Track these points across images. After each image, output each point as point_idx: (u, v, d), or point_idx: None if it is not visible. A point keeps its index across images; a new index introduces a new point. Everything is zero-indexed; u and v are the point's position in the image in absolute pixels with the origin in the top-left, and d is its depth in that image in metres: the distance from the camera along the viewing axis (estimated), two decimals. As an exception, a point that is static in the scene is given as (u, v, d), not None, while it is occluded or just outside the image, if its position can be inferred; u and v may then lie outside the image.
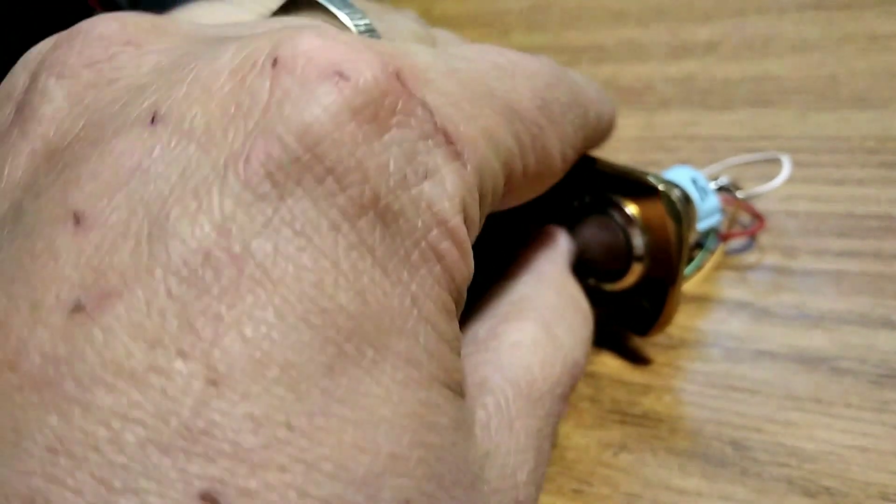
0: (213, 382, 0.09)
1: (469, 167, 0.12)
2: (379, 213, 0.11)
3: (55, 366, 0.09)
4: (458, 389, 0.12)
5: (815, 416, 0.19)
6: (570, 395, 0.16)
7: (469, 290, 0.17)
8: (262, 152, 0.10)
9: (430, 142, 0.12)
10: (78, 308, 0.09)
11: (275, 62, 0.11)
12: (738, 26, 0.36)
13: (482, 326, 0.16)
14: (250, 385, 0.09)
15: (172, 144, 0.10)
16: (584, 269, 0.20)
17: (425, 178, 0.11)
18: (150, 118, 0.11)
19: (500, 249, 0.19)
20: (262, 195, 0.10)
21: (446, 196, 0.12)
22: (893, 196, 0.24)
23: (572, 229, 0.20)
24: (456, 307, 0.12)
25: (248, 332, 0.09)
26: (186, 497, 0.08)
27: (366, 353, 0.10)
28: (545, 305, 0.17)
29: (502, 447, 0.13)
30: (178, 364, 0.09)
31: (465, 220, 0.12)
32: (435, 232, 0.11)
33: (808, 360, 0.20)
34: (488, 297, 0.18)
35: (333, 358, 0.10)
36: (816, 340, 0.21)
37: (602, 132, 0.19)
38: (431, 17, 0.46)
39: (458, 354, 0.12)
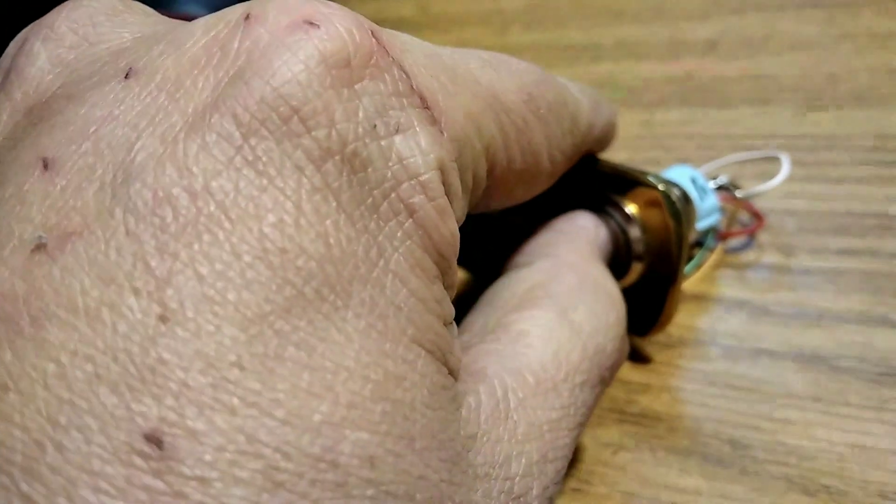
0: (163, 319, 0.09)
1: (446, 135, 0.12)
2: (346, 158, 0.11)
3: (13, 303, 0.09)
4: (438, 355, 0.11)
5: (814, 414, 0.19)
6: (601, 383, 0.15)
7: (484, 287, 0.17)
8: (229, 96, 0.10)
9: (404, 100, 0.11)
10: (39, 247, 0.09)
11: (247, 17, 0.11)
12: (736, 24, 0.36)
13: (492, 317, 0.16)
14: (202, 323, 0.09)
15: (143, 95, 0.11)
16: None
17: (397, 132, 0.11)
18: (125, 74, 0.11)
19: (506, 252, 0.19)
20: (226, 136, 0.10)
21: (419, 152, 0.11)
22: (892, 194, 0.24)
23: None
24: (441, 273, 0.12)
25: (203, 270, 0.09)
26: (131, 436, 0.08)
27: (326, 298, 0.10)
28: (562, 291, 0.16)
29: (493, 434, 0.13)
30: (131, 300, 0.09)
31: (445, 185, 0.12)
32: (406, 185, 0.11)
33: (807, 359, 0.20)
34: (501, 288, 0.17)
35: (291, 300, 0.09)
36: (815, 339, 0.21)
37: (596, 142, 0.19)
38: (429, 15, 0.46)
39: (443, 322, 0.12)
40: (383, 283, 0.11)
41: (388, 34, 0.12)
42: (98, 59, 0.12)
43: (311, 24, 0.11)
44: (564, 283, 0.16)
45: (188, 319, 0.09)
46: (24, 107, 0.12)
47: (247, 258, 0.09)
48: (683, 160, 0.26)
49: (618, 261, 0.20)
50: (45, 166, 0.10)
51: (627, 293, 0.20)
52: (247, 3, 0.12)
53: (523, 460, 0.13)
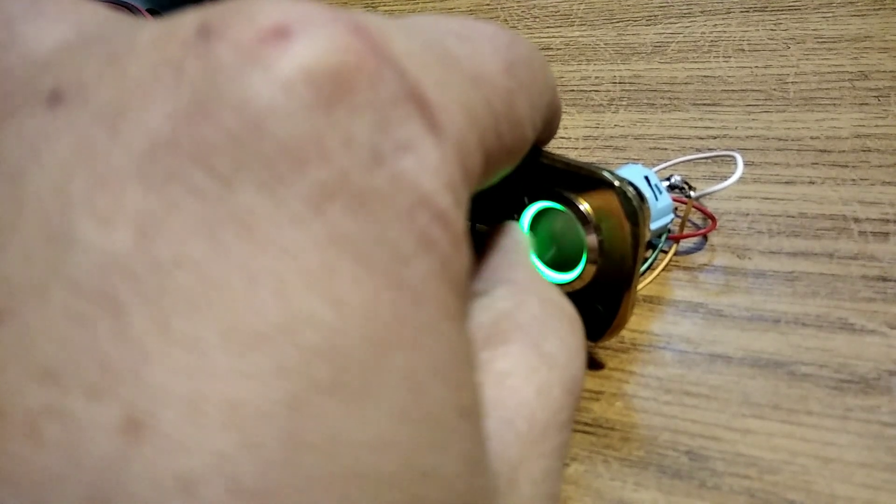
0: (128, 433, 0.07)
1: (449, 141, 0.10)
2: (351, 197, 0.09)
3: None
4: (473, 413, 0.10)
5: (775, 423, 0.18)
6: (573, 419, 0.14)
7: None
8: (194, 135, 0.08)
9: (403, 108, 0.09)
10: None
11: (203, 30, 0.09)
12: (683, 28, 0.36)
13: None
14: (184, 433, 0.07)
15: (76, 128, 0.08)
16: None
17: (401, 149, 0.09)
18: (50, 97, 0.09)
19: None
20: (197, 189, 0.08)
21: (428, 170, 0.09)
22: (845, 196, 0.24)
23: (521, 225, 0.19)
24: (460, 309, 0.10)
25: (179, 362, 0.07)
26: None
27: (350, 383, 0.08)
28: (529, 320, 0.14)
29: None
30: (81, 407, 0.07)
31: (456, 204, 0.10)
32: (422, 215, 0.09)
33: (765, 364, 0.19)
34: None
35: (300, 394, 0.07)
36: (772, 343, 0.20)
37: (557, 111, 0.18)
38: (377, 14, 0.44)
39: (472, 369, 0.10)
40: (417, 343, 0.09)
41: (374, 24, 0.10)
42: (11, 72, 0.09)
43: (285, 32, 0.09)
44: (529, 312, 0.14)
45: (165, 432, 0.07)
46: None
47: (236, 344, 0.07)
48: (634, 161, 0.25)
49: (570, 259, 0.19)
50: None
51: (580, 296, 0.19)
52: (200, 12, 0.09)
53: None
